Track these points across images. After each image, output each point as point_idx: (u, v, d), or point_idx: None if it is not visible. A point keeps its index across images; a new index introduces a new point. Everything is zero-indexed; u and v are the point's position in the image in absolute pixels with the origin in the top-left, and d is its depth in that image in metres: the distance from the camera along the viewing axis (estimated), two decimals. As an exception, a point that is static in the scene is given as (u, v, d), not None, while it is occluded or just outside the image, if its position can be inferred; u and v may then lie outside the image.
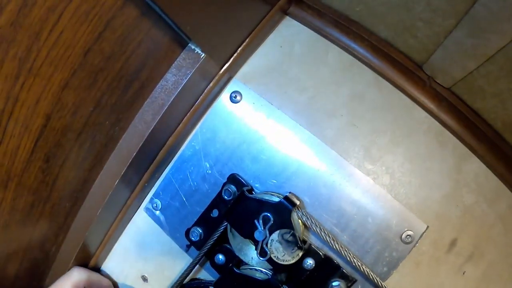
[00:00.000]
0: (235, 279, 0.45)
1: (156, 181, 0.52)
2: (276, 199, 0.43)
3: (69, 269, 0.55)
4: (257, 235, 0.43)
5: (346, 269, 0.47)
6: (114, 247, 0.57)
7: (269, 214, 0.43)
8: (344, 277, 0.46)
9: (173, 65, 0.45)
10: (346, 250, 0.44)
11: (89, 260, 0.56)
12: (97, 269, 0.58)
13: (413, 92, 0.50)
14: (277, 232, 0.43)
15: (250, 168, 0.47)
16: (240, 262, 0.47)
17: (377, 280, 0.44)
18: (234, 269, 0.45)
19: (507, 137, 0.50)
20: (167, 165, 0.51)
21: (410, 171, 0.48)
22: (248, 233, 0.44)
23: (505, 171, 0.50)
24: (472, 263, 0.51)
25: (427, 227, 0.47)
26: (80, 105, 0.42)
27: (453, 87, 0.48)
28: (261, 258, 0.44)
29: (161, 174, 0.52)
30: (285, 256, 0.43)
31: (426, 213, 0.48)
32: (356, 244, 0.46)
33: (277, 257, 0.44)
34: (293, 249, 0.43)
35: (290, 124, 0.47)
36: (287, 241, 0.43)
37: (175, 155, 0.51)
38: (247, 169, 0.48)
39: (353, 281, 0.46)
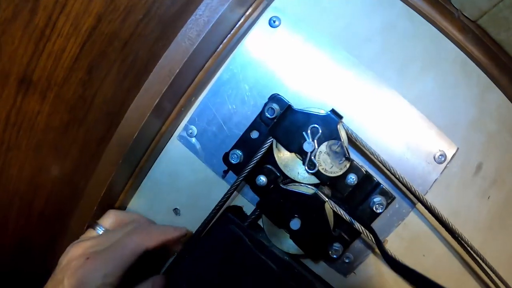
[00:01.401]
0: (280, 196, 0.47)
1: (191, 107, 0.53)
2: (323, 112, 0.45)
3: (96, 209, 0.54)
4: (306, 146, 0.44)
5: (385, 186, 0.49)
6: (144, 180, 0.56)
7: (317, 126, 0.45)
8: (385, 193, 0.48)
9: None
10: (388, 165, 0.46)
11: (117, 197, 0.56)
12: (124, 207, 0.58)
13: (442, 23, 0.53)
14: (325, 143, 0.45)
15: (290, 88, 0.49)
16: (282, 180, 0.48)
17: (418, 193, 0.47)
18: (281, 185, 0.47)
19: (528, 70, 0.54)
20: (204, 90, 0.52)
21: (439, 97, 0.51)
22: (296, 147, 0.46)
23: (525, 104, 0.54)
24: (495, 188, 0.54)
25: (458, 148, 0.50)
26: (131, 10, 0.42)
27: (479, 20, 0.52)
28: (310, 171, 0.45)
29: (197, 99, 0.52)
30: (333, 168, 0.45)
31: (455, 137, 0.51)
32: (393, 162, 0.49)
33: (325, 169, 0.45)
34: (341, 160, 0.45)
35: (329, 46, 0.49)
36: (335, 152, 0.45)
37: (212, 79, 0.52)
38: (288, 90, 0.49)
39: (393, 197, 0.49)
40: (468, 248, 0.51)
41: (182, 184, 0.55)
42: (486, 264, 0.52)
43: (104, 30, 0.41)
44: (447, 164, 0.50)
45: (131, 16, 0.42)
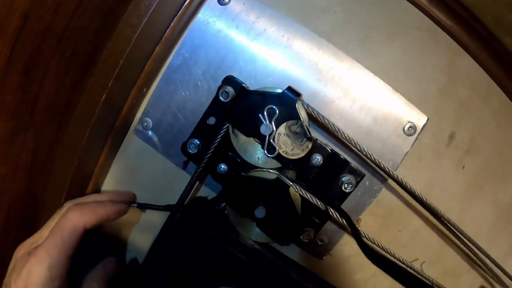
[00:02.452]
0: (242, 185, 0.44)
1: (144, 98, 0.50)
2: (279, 91, 0.42)
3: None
4: (263, 129, 0.41)
5: (354, 164, 0.46)
6: (105, 180, 0.54)
7: (274, 106, 0.42)
8: (353, 171, 0.46)
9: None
10: (354, 142, 0.44)
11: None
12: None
13: (405, -12, 0.49)
14: (284, 124, 0.42)
15: (245, 69, 0.46)
16: (244, 167, 0.46)
17: (388, 169, 0.44)
18: (242, 172, 0.44)
19: (497, 33, 0.51)
20: (155, 79, 0.49)
21: (407, 66, 0.49)
22: (253, 130, 0.43)
23: (495, 68, 0.52)
24: (470, 157, 0.52)
25: (428, 118, 0.48)
26: (61, 3, 0.38)
27: (444, -17, 0.49)
28: (269, 155, 0.43)
29: (149, 90, 0.49)
30: (294, 150, 0.43)
31: (425, 106, 0.48)
32: (360, 138, 0.46)
33: (286, 151, 0.43)
34: (302, 141, 0.42)
35: (284, 21, 0.46)
36: (295, 133, 0.42)
37: (163, 66, 0.48)
38: (242, 70, 0.46)
39: (362, 175, 0.46)
40: (445, 221, 0.49)
41: (144, 180, 0.52)
42: (464, 236, 0.50)
43: (34, 28, 0.38)
44: (417, 136, 0.48)
45: (62, 10, 0.38)
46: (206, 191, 0.51)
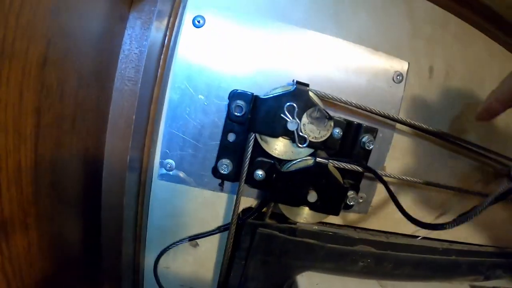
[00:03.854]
0: (285, 180, 0.48)
1: (156, 143, 0.51)
2: (292, 88, 0.47)
3: None
4: (290, 126, 0.46)
5: (366, 124, 0.53)
6: (147, 234, 0.55)
7: (291, 103, 0.46)
8: (368, 130, 0.52)
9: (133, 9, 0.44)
10: (360, 106, 0.50)
11: (131, 263, 0.54)
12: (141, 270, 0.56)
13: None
14: (304, 115, 0.47)
15: (246, 79, 0.49)
16: (279, 165, 0.50)
17: (393, 115, 0.51)
18: (282, 171, 0.48)
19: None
20: (160, 120, 0.51)
21: (375, 24, 0.55)
22: (281, 131, 0.47)
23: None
24: (449, 79, 0.60)
25: (409, 63, 0.55)
26: (65, 81, 0.38)
27: None
28: (303, 145, 0.47)
29: (158, 133, 0.51)
30: (321, 132, 0.48)
31: (401, 53, 0.55)
32: (363, 100, 0.52)
33: (315, 137, 0.47)
34: (324, 123, 0.47)
35: (262, 22, 0.50)
36: (316, 118, 0.47)
37: (163, 105, 0.50)
38: (244, 81, 0.49)
39: (376, 130, 0.53)
40: (451, 139, 0.57)
41: (186, 218, 0.54)
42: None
43: (48, 121, 0.37)
44: (405, 80, 0.55)
45: (67, 88, 0.38)
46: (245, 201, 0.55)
